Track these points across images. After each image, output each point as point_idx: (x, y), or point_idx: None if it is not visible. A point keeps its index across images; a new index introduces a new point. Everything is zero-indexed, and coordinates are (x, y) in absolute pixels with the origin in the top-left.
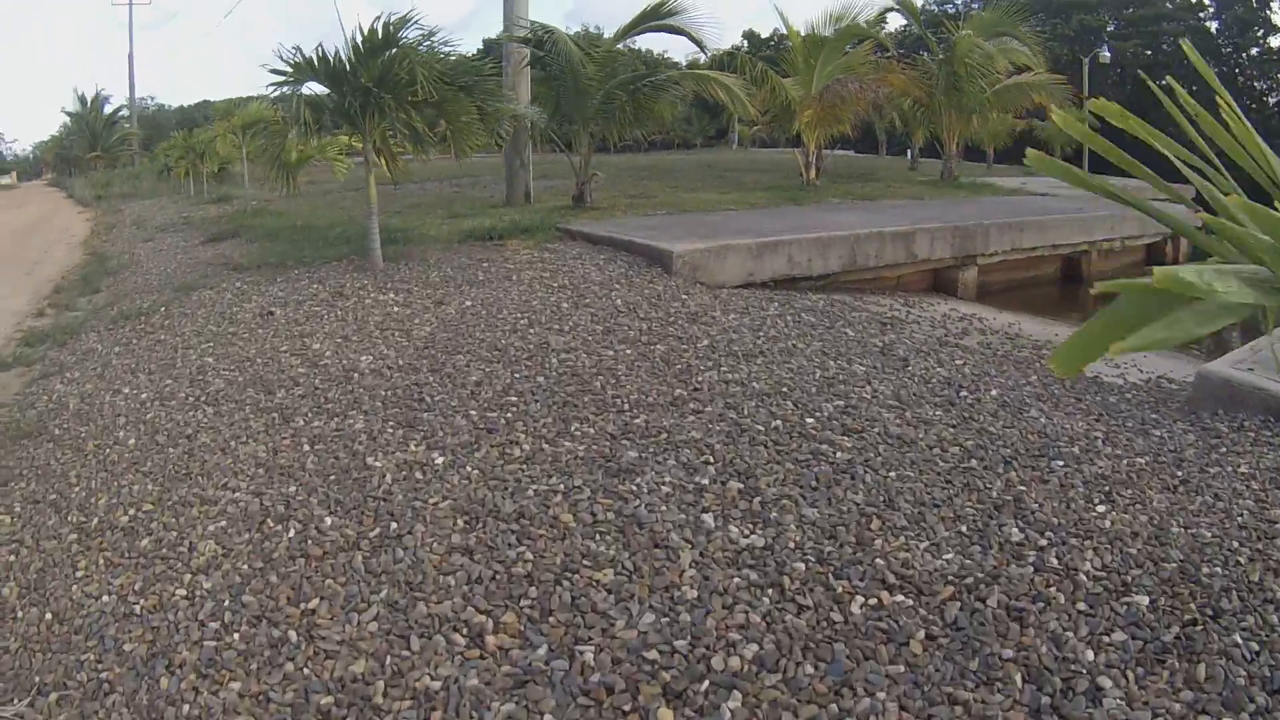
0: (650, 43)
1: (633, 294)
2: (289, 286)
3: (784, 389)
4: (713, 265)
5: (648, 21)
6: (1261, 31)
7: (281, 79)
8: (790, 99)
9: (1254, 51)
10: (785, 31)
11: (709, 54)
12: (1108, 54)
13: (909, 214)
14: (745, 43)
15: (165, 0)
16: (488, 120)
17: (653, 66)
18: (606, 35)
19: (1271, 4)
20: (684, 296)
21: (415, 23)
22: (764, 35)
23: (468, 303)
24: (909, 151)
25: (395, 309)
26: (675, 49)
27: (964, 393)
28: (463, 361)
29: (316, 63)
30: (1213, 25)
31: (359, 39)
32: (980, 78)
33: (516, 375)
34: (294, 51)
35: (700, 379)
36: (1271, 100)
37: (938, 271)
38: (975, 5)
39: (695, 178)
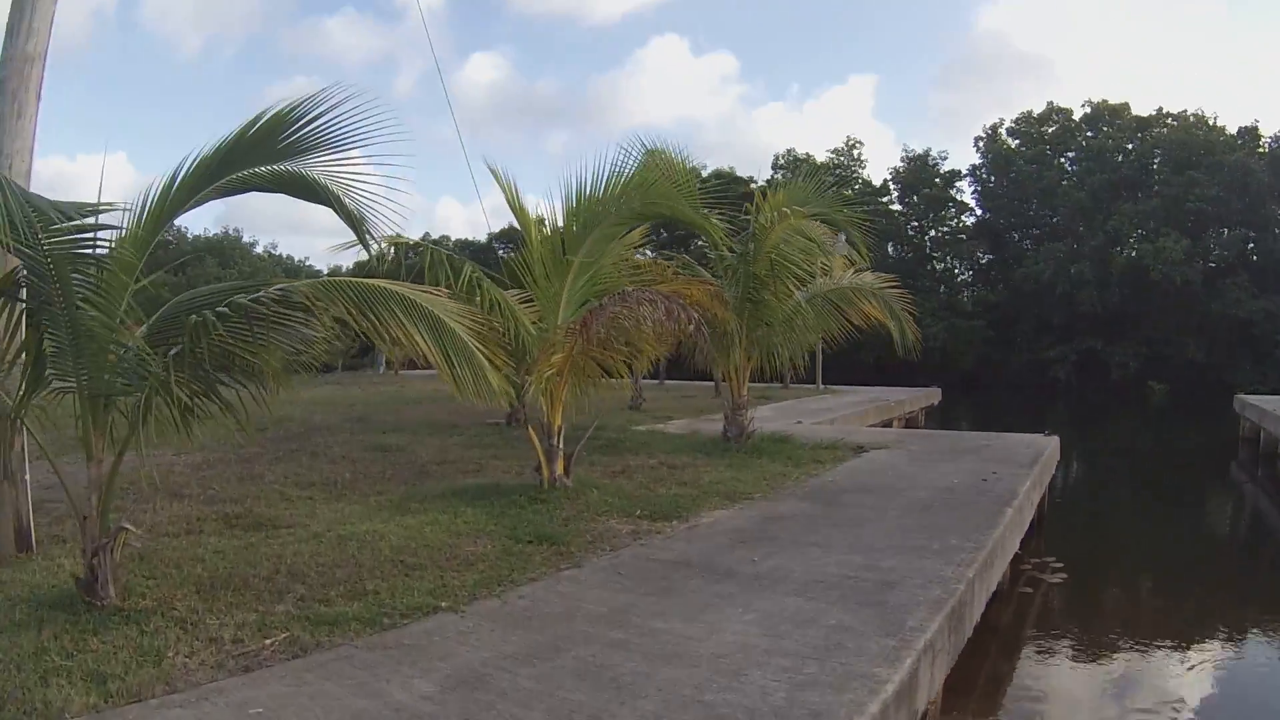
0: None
1: None
2: None
3: None
4: None
5: (242, 168)
6: (953, 210)
7: None
8: (525, 335)
9: (943, 231)
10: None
11: (380, 249)
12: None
13: (801, 568)
14: (391, 251)
15: None
16: None
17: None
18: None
19: (956, 183)
20: None
21: None
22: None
23: None
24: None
25: None
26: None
27: None
28: None
29: None
30: (896, 208)
31: None
32: (790, 279)
33: None
34: None
35: None
36: (960, 279)
37: None
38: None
39: (342, 457)
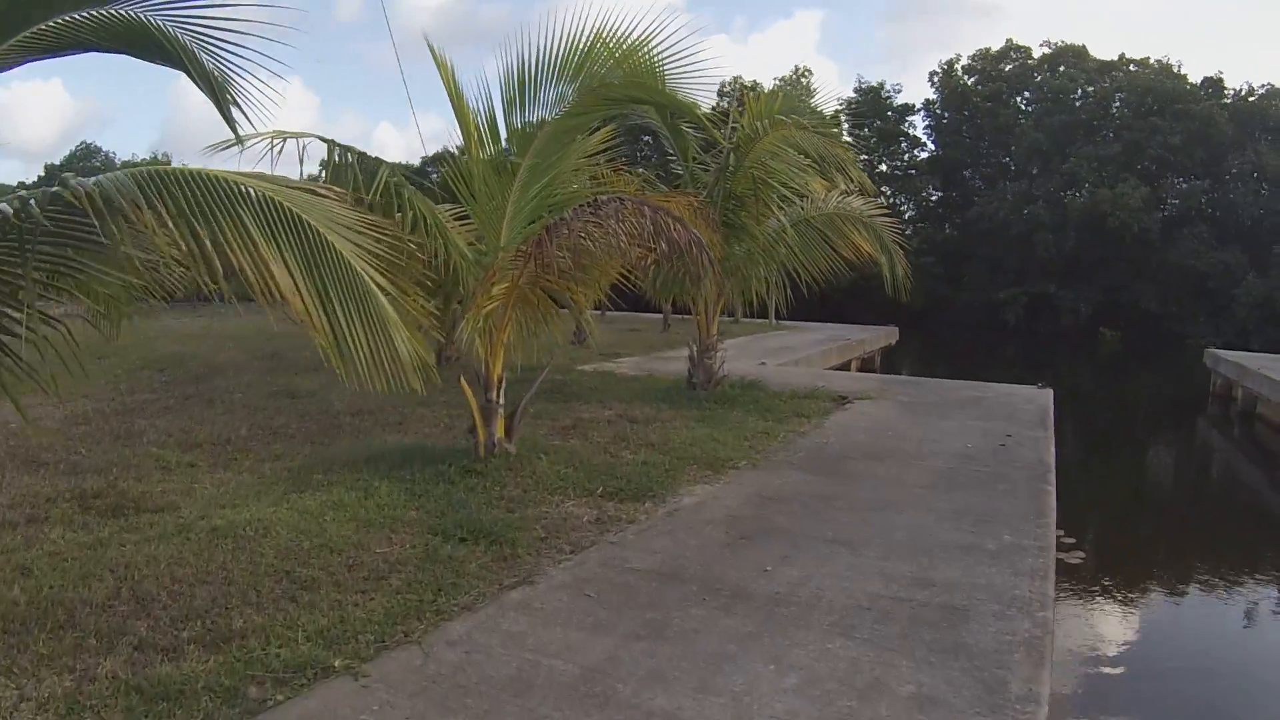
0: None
1: None
2: None
3: None
4: None
5: (57, 11)
6: (905, 144)
7: None
8: (458, 260)
9: (893, 166)
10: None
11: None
12: None
13: (834, 584)
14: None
15: None
16: None
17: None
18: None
19: (910, 117)
20: None
21: None
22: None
23: None
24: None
25: None
26: None
27: None
28: None
29: None
30: (847, 139)
31: None
32: (774, 200)
33: None
34: None
35: None
36: (907, 215)
37: None
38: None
39: (242, 405)
